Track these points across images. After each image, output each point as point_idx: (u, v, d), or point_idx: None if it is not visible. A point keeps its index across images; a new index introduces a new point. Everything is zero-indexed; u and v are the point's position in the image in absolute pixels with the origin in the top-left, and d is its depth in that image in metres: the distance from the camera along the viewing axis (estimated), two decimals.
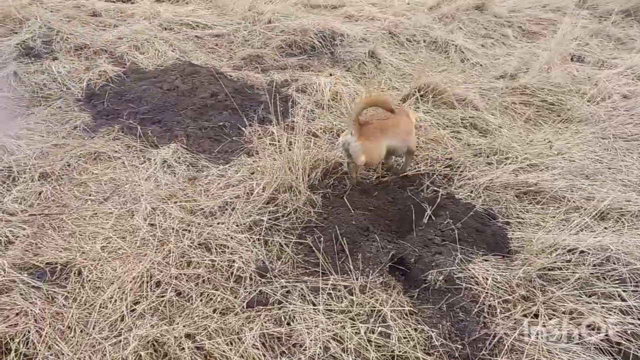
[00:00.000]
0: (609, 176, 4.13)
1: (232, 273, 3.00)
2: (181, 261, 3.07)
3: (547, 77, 5.73)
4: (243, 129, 4.71)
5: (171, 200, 3.63)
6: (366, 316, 2.69)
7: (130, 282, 2.89)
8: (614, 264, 2.90)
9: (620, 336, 2.53)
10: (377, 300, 2.77)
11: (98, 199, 3.72)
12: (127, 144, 4.40)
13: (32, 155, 4.09)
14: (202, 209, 3.56)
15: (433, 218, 3.40)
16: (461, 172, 4.10)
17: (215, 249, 3.17)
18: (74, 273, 3.00)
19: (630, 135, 4.78)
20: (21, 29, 6.23)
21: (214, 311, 2.77)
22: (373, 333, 2.60)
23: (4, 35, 6.13)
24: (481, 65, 6.63)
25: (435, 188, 3.81)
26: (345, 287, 2.87)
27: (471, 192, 3.85)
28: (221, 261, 3.07)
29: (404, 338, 2.58)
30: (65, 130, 4.57)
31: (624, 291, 2.73)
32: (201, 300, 2.84)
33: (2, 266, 2.94)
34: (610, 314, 2.62)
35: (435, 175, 4.02)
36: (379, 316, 2.68)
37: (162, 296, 2.84)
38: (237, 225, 3.38)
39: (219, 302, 2.83)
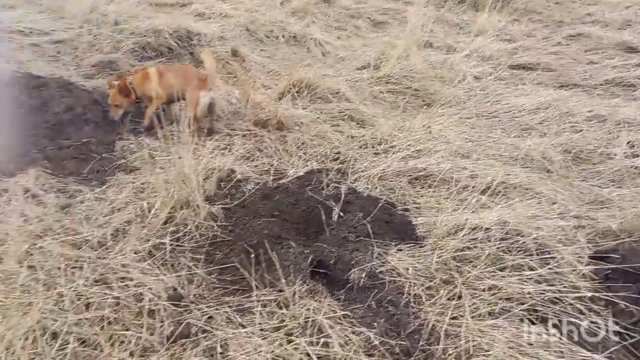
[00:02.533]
0: (482, 153, 4.44)
1: (142, 307, 2.66)
2: (78, 304, 2.65)
3: (406, 65, 6.00)
4: (110, 144, 4.27)
5: (48, 235, 3.13)
6: (302, 328, 2.55)
7: (20, 339, 2.42)
8: (516, 236, 3.10)
9: (542, 304, 2.71)
10: (308, 309, 2.64)
11: None
12: None
13: None
14: (88, 240, 3.13)
15: (342, 215, 3.36)
16: (352, 165, 4.12)
17: (116, 283, 2.80)
18: None
19: (490, 113, 5.21)
20: None
21: (131, 355, 2.44)
22: (313, 345, 2.47)
23: None
24: (342, 57, 6.76)
25: (336, 184, 3.76)
26: (273, 300, 2.71)
27: (367, 183, 3.88)
28: (127, 296, 2.71)
29: (345, 344, 2.50)
30: None
31: (531, 261, 2.93)
32: (112, 345, 2.48)
33: None
34: (526, 284, 2.79)
35: (330, 171, 3.98)
36: (315, 326, 2.56)
37: (63, 349, 2.43)
38: (135, 253, 3.02)
39: (134, 343, 2.50)
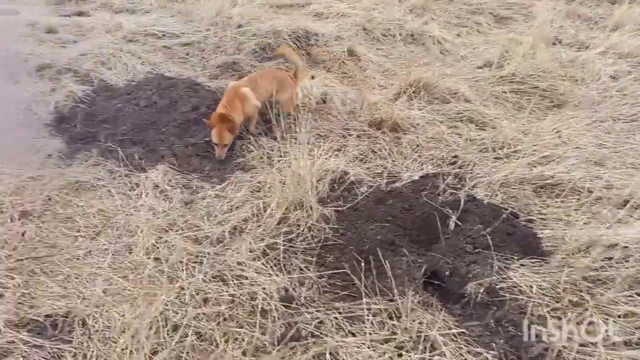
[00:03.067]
0: (618, 161, 4.03)
1: (256, 306, 2.72)
2: (197, 299, 2.77)
3: (533, 63, 5.62)
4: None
5: (172, 230, 3.32)
6: (413, 343, 2.46)
7: (145, 328, 2.58)
8: None
9: None
10: (421, 322, 2.54)
11: (89, 235, 3.38)
12: (110, 169, 4.04)
13: (6, 191, 3.69)
14: (208, 236, 3.27)
15: (459, 223, 3.20)
16: (471, 170, 3.92)
17: (232, 280, 2.89)
18: (78, 324, 2.68)
19: (629, 116, 4.71)
20: None
21: (244, 353, 2.50)
22: None
23: None
24: (462, 55, 6.49)
25: (453, 190, 3.60)
26: (384, 310, 2.64)
27: (487, 190, 3.67)
28: (241, 294, 2.79)
29: None
30: (39, 160, 4.16)
31: None
32: (226, 342, 2.56)
33: None
34: None
35: (446, 176, 3.82)
36: (427, 341, 2.46)
37: (182, 341, 2.55)
38: (250, 252, 3.10)
39: (247, 342, 2.56)
